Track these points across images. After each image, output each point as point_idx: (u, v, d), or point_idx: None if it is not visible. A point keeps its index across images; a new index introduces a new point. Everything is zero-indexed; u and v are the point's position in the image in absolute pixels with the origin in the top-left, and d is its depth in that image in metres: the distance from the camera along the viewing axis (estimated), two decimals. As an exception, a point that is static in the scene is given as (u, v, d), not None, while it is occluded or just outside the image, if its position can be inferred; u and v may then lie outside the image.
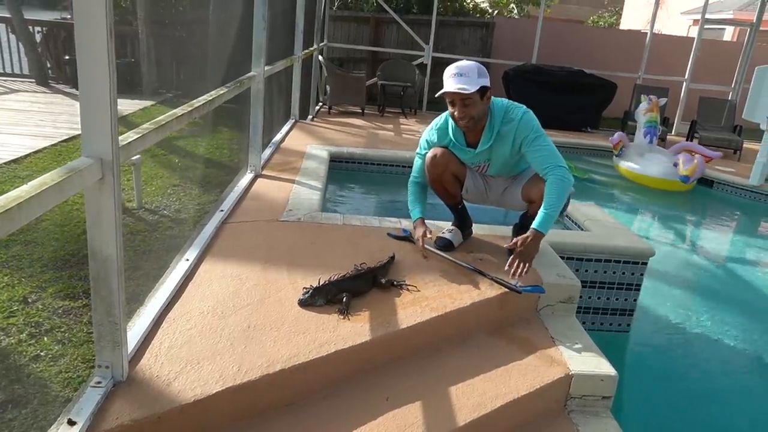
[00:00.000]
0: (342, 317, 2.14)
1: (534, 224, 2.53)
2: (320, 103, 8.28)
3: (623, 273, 3.22)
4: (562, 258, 2.90)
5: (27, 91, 8.70)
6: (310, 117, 7.21)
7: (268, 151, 4.77)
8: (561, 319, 2.53)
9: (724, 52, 10.74)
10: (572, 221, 3.69)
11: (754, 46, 9.03)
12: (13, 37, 9.48)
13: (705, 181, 6.39)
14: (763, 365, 3.20)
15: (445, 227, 2.99)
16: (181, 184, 5.03)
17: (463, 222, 2.96)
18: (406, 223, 3.16)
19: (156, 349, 1.85)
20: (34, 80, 9.35)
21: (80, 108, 1.43)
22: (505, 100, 2.67)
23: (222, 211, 3.15)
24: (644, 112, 6.68)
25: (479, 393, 1.97)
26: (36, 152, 5.36)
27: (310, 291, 2.22)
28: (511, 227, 3.03)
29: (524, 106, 2.64)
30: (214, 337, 1.94)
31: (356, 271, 2.40)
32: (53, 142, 5.77)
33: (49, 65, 9.74)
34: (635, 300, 3.29)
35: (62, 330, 2.63)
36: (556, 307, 2.56)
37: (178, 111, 2.25)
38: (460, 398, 1.94)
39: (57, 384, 2.27)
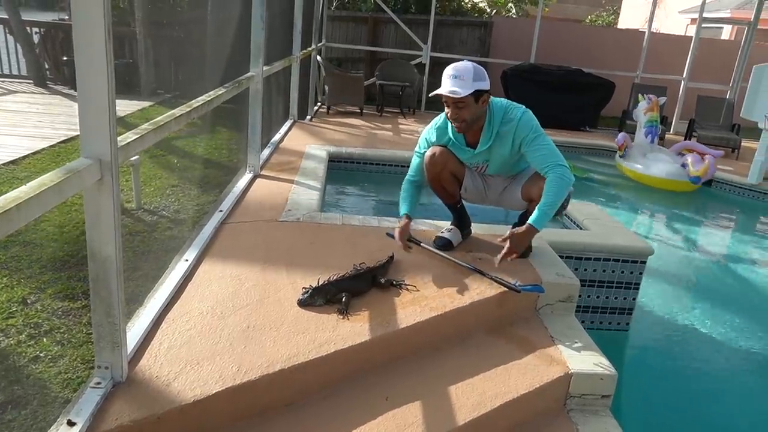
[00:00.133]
0: (341, 317, 2.14)
1: (530, 219, 2.54)
2: (319, 103, 8.28)
3: (622, 272, 3.22)
4: (561, 257, 2.91)
5: (25, 92, 8.69)
6: (308, 117, 7.21)
7: (266, 152, 4.77)
8: (560, 318, 2.53)
9: (722, 51, 10.75)
10: (571, 220, 3.70)
11: (752, 45, 9.04)
12: (10, 38, 9.46)
13: (704, 180, 6.40)
14: (763, 364, 3.21)
15: (443, 227, 2.99)
16: (179, 184, 5.03)
17: (462, 221, 2.96)
18: (405, 223, 3.16)
19: (155, 349, 1.85)
20: (32, 81, 9.34)
21: (79, 109, 1.43)
22: (505, 101, 2.67)
23: (221, 211, 3.15)
24: (644, 112, 6.63)
25: (479, 392, 1.98)
26: (34, 153, 5.36)
27: (310, 291, 2.22)
28: (510, 227, 3.03)
29: (523, 107, 2.64)
30: (213, 338, 1.94)
31: (355, 270, 2.40)
32: (51, 143, 5.76)
33: (47, 66, 9.73)
34: (634, 299, 3.30)
35: (61, 331, 2.63)
36: (555, 306, 2.57)
37: (177, 111, 2.25)
38: (460, 397, 1.94)
39: (56, 385, 2.27)
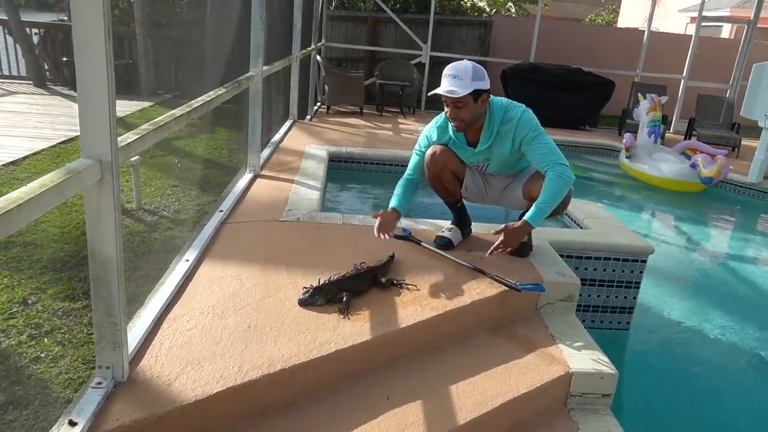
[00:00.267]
0: (342, 317, 2.15)
1: (526, 215, 2.54)
2: (319, 103, 8.28)
3: (623, 271, 3.22)
4: (562, 256, 2.91)
5: (25, 93, 8.70)
6: (308, 117, 7.21)
7: (267, 151, 4.77)
8: (561, 317, 2.53)
9: (722, 50, 10.74)
10: (572, 219, 3.69)
11: (752, 43, 9.04)
12: (10, 39, 9.47)
13: (704, 179, 6.39)
14: (763, 363, 3.21)
15: (444, 226, 2.99)
16: (180, 184, 5.03)
17: (462, 221, 2.96)
18: (405, 223, 3.16)
19: (156, 349, 1.85)
20: (32, 82, 9.34)
21: (79, 109, 1.43)
22: (505, 100, 2.67)
23: (221, 211, 3.15)
24: (647, 111, 6.57)
25: (479, 391, 1.98)
26: (34, 154, 5.36)
27: (310, 290, 2.22)
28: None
29: (523, 105, 2.64)
30: (214, 338, 1.94)
31: (356, 270, 2.40)
32: (51, 144, 5.76)
33: (46, 67, 9.73)
34: (635, 298, 3.30)
35: (62, 331, 2.63)
36: (555, 305, 2.57)
37: (177, 112, 2.25)
38: (461, 397, 1.94)
39: (57, 385, 2.28)
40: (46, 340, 2.55)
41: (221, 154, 6.26)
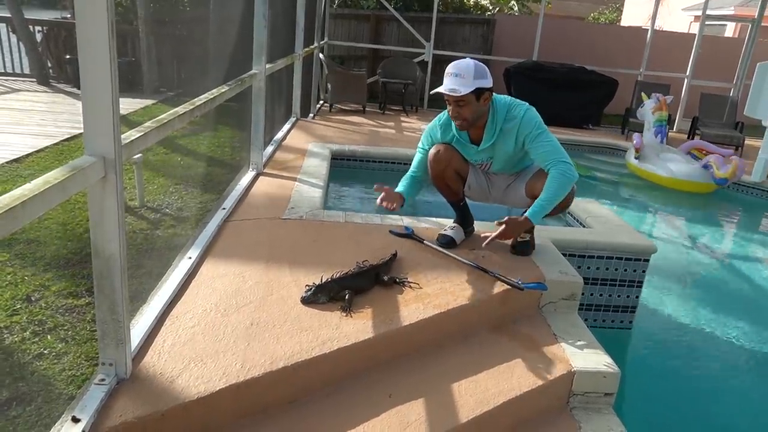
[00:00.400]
0: (344, 314, 2.15)
1: (527, 211, 2.55)
2: (321, 101, 8.28)
3: (625, 270, 3.22)
4: (565, 255, 2.91)
5: (28, 91, 8.71)
6: (311, 115, 7.21)
7: (269, 149, 4.78)
8: (563, 316, 2.53)
9: (726, 48, 10.71)
10: (574, 218, 3.69)
11: (756, 42, 9.01)
12: (13, 36, 9.48)
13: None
14: (766, 363, 3.20)
15: (446, 225, 2.99)
16: (182, 182, 5.03)
17: (465, 219, 2.96)
18: (408, 221, 3.17)
19: (159, 346, 1.86)
20: (35, 80, 9.35)
21: (82, 106, 1.44)
22: (508, 98, 2.66)
23: (224, 209, 3.15)
24: (653, 111, 6.47)
25: (482, 390, 1.98)
26: (38, 151, 5.37)
27: (313, 288, 2.22)
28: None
29: (527, 104, 2.64)
30: (217, 335, 1.95)
31: (358, 268, 2.41)
32: (55, 142, 5.78)
33: (50, 64, 9.75)
34: (637, 297, 3.29)
35: (65, 328, 2.63)
36: (558, 304, 2.57)
37: (180, 109, 2.25)
38: (463, 395, 1.94)
39: (61, 381, 2.28)
40: (49, 336, 2.56)
41: (224, 152, 6.27)
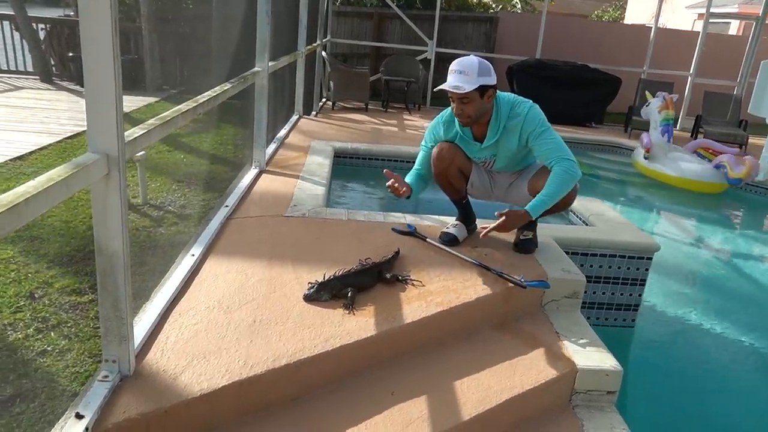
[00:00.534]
0: (347, 312, 2.15)
1: (527, 206, 2.55)
2: (324, 99, 8.27)
3: (628, 268, 3.21)
4: (567, 253, 2.90)
5: (31, 88, 8.73)
6: (314, 113, 7.21)
7: (272, 147, 4.78)
8: (566, 314, 2.53)
9: (730, 46, 10.67)
10: (577, 216, 3.69)
11: (760, 40, 8.97)
12: (17, 34, 9.50)
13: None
14: (769, 360, 3.20)
15: (449, 222, 2.99)
16: (185, 180, 5.04)
17: (467, 217, 2.96)
18: (410, 218, 3.17)
19: (162, 343, 1.86)
20: (38, 77, 9.37)
21: (86, 104, 1.44)
22: (512, 95, 2.66)
23: (227, 206, 3.16)
24: (659, 110, 6.38)
25: (484, 387, 1.98)
26: (41, 149, 5.39)
27: (315, 286, 2.22)
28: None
29: (530, 101, 2.64)
30: (219, 332, 1.95)
31: (361, 266, 2.41)
32: (58, 139, 5.79)
33: (53, 62, 9.77)
34: (640, 295, 3.29)
35: (69, 325, 2.64)
36: (561, 302, 2.56)
37: (183, 107, 2.25)
38: (465, 392, 1.94)
39: (64, 378, 2.29)
40: (52, 333, 2.56)
41: (227, 149, 6.27)
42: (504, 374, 2.06)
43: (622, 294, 3.27)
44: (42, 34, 9.61)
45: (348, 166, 5.26)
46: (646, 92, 6.86)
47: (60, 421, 1.50)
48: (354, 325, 2.06)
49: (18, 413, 2.09)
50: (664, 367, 3.09)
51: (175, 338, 1.90)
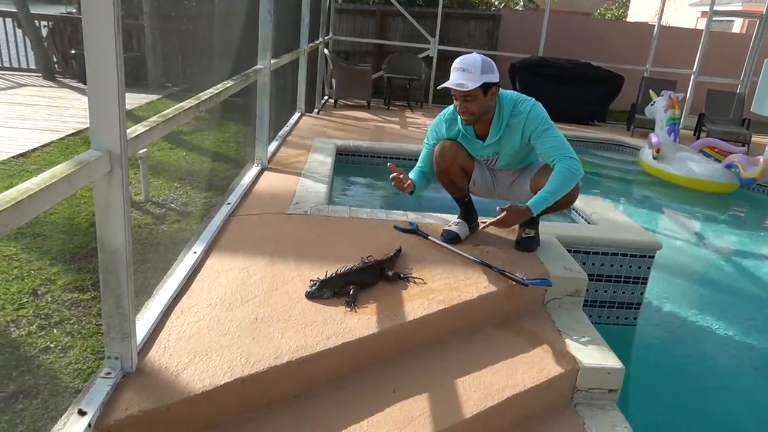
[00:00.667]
0: (349, 310, 2.15)
1: (529, 201, 2.55)
2: (326, 97, 8.27)
3: (630, 266, 3.21)
4: (569, 251, 2.90)
5: (34, 86, 8.74)
6: (316, 110, 7.21)
7: (274, 145, 4.78)
8: (568, 312, 2.53)
9: (733, 44, 10.64)
10: (579, 214, 3.68)
11: (764, 38, 8.93)
12: (19, 31, 9.51)
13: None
14: (771, 359, 3.19)
15: (451, 220, 2.99)
16: (187, 177, 5.05)
17: (469, 215, 2.96)
18: (412, 216, 3.17)
19: (164, 340, 1.87)
20: (40, 74, 9.38)
21: (88, 101, 1.44)
22: (515, 93, 2.66)
23: (229, 204, 3.16)
24: (665, 109, 6.32)
25: (486, 385, 1.98)
26: (43, 146, 5.39)
27: (317, 283, 2.22)
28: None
29: (533, 99, 2.63)
30: (221, 329, 1.96)
31: (363, 263, 2.41)
32: (60, 136, 5.80)
33: (55, 59, 9.77)
34: (642, 293, 3.29)
35: (71, 322, 2.65)
36: (562, 300, 2.56)
37: (185, 104, 2.25)
38: (467, 390, 1.94)
39: (67, 375, 2.30)
40: (55, 330, 2.57)
41: (229, 147, 6.27)
42: (506, 372, 2.06)
43: (624, 292, 3.27)
44: (44, 32, 9.62)
45: (350, 164, 5.26)
46: (651, 91, 6.79)
47: (63, 417, 1.50)
48: (356, 323, 2.07)
49: (21, 409, 2.10)
50: (666, 366, 3.09)
51: (177, 335, 1.90)
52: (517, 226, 2.99)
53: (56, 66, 9.71)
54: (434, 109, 8.42)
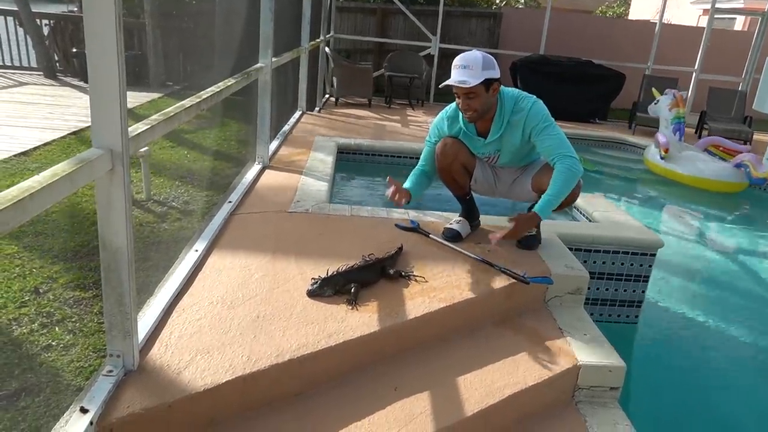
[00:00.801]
0: (350, 308, 2.15)
1: (535, 207, 2.54)
2: (327, 95, 8.27)
3: (632, 264, 3.21)
4: (571, 249, 2.90)
5: (35, 84, 8.74)
6: (317, 109, 7.21)
7: (275, 143, 4.78)
8: (569, 310, 2.53)
9: (735, 42, 10.62)
10: (581, 212, 3.68)
11: (766, 36, 8.92)
12: (20, 30, 9.51)
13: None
14: (772, 357, 3.19)
15: (452, 218, 2.99)
16: (189, 175, 5.05)
17: (470, 213, 2.96)
18: (413, 214, 3.17)
19: (166, 338, 1.87)
20: (42, 73, 9.39)
21: (90, 99, 1.44)
22: (516, 90, 2.65)
23: (230, 202, 3.16)
24: (670, 108, 6.26)
25: (487, 383, 1.98)
26: (45, 145, 5.40)
27: (319, 281, 2.23)
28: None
29: (534, 96, 2.63)
30: (223, 327, 1.96)
31: (364, 261, 2.41)
32: (62, 135, 5.80)
33: (56, 58, 9.78)
34: (643, 291, 3.29)
35: (73, 320, 2.65)
36: (564, 298, 2.56)
37: (187, 102, 2.25)
38: (468, 388, 1.95)
39: (69, 373, 2.30)
40: (57, 328, 2.57)
41: (230, 145, 6.28)
42: (507, 370, 2.06)
43: (625, 290, 3.27)
44: (46, 30, 9.62)
45: (351, 162, 5.26)
46: (654, 89, 6.75)
47: (65, 415, 1.51)
48: (357, 321, 2.07)
49: (23, 407, 2.10)
50: (667, 364, 3.09)
51: (178, 333, 1.90)
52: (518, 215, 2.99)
53: (57, 64, 9.72)
54: (435, 107, 8.42)
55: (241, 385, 1.73)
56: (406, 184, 2.79)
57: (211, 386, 1.68)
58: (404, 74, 8.39)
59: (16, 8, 9.25)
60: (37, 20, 9.45)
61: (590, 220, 3.51)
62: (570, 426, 2.03)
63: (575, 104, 8.30)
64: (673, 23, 12.67)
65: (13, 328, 2.56)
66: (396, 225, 2.99)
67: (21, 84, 8.65)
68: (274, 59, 4.04)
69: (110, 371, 1.65)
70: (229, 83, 2.92)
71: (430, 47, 9.12)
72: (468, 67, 2.46)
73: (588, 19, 13.89)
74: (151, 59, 8.99)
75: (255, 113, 4.00)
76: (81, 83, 8.95)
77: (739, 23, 16.90)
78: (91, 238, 3.40)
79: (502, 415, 1.94)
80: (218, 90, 2.70)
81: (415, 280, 2.40)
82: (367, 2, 11.01)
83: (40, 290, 2.88)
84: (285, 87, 5.71)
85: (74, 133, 5.94)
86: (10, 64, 9.59)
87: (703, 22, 12.02)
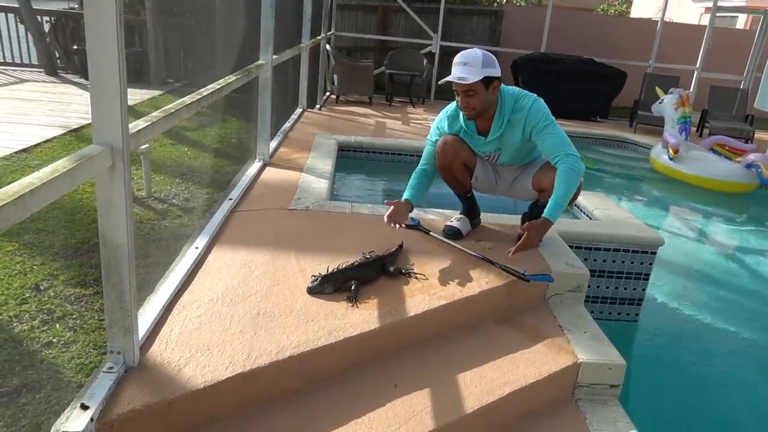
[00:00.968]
0: (350, 305, 2.15)
1: (544, 212, 2.53)
2: (328, 93, 8.26)
3: (632, 262, 3.21)
4: (571, 247, 2.90)
5: (36, 81, 8.74)
6: (317, 106, 7.21)
7: (276, 141, 4.78)
8: (569, 307, 2.53)
9: (736, 40, 10.60)
10: (581, 210, 3.68)
11: (767, 34, 8.90)
12: (21, 26, 9.51)
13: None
14: (773, 355, 3.19)
15: (453, 216, 2.99)
16: (189, 173, 5.05)
17: (471, 211, 2.96)
18: (414, 212, 3.16)
19: (166, 335, 1.87)
20: (43, 70, 9.38)
21: (90, 96, 1.44)
22: (516, 89, 2.65)
23: (231, 199, 3.16)
24: (675, 107, 6.19)
25: (487, 380, 1.98)
26: (46, 141, 5.40)
27: (319, 279, 2.23)
28: (520, 216, 3.03)
29: (535, 95, 2.63)
30: (223, 324, 1.96)
31: (365, 259, 2.41)
32: (63, 132, 5.80)
33: (57, 55, 9.77)
34: (644, 289, 3.29)
35: (74, 317, 2.66)
36: (564, 296, 2.56)
37: (187, 99, 2.25)
38: (468, 385, 1.95)
39: (69, 369, 2.31)
40: (58, 325, 2.58)
41: (231, 143, 6.28)
42: (507, 367, 2.07)
43: (625, 288, 3.27)
44: (47, 27, 9.61)
45: (352, 160, 5.26)
46: (657, 88, 6.67)
47: (65, 411, 1.51)
48: (357, 318, 2.07)
49: (24, 404, 2.11)
50: (667, 361, 3.09)
51: (179, 330, 1.91)
52: (518, 222, 2.99)
53: (58, 61, 9.71)
54: (436, 105, 8.41)
55: (241, 382, 1.73)
56: (406, 194, 2.78)
57: (212, 383, 1.68)
58: (405, 72, 8.38)
59: (17, 5, 9.25)
60: (38, 17, 9.45)
61: (591, 218, 3.51)
62: (570, 423, 2.03)
63: (576, 102, 8.29)
64: (674, 21, 12.65)
65: (14, 325, 2.56)
66: (396, 222, 2.98)
67: (22, 81, 8.64)
68: (274, 56, 4.03)
69: (111, 368, 1.65)
70: (230, 80, 2.92)
71: (431, 45, 9.11)
72: (468, 65, 2.45)
73: (589, 17, 13.87)
74: (151, 56, 8.99)
75: (255, 110, 4.00)
76: (82, 80, 8.94)
77: (741, 21, 16.87)
78: (92, 235, 3.40)
79: (502, 413, 1.95)
80: (219, 87, 2.70)
81: (416, 278, 2.40)
82: (368, 0, 10.99)
83: (41, 287, 2.88)
84: (285, 84, 5.71)
85: (75, 129, 5.93)
86: (11, 60, 9.58)
87: (705, 20, 12.00)
